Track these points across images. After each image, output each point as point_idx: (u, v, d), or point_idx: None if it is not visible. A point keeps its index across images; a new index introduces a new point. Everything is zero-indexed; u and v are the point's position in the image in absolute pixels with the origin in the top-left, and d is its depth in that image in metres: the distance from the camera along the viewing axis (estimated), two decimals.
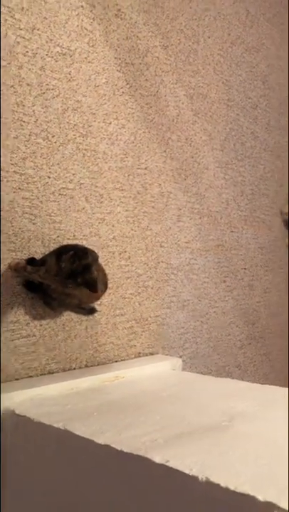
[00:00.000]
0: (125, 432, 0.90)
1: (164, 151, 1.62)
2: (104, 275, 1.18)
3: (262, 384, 2.06)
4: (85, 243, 1.33)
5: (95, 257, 1.07)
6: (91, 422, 0.97)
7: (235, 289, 1.95)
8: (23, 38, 1.20)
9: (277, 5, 2.21)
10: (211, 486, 0.71)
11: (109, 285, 1.39)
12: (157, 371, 1.40)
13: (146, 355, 1.51)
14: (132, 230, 1.50)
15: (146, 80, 1.55)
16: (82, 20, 1.36)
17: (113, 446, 0.84)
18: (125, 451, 0.82)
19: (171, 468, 0.76)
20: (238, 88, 1.95)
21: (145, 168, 1.55)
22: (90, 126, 1.37)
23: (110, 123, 1.43)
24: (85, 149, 1.36)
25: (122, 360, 1.43)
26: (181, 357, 1.64)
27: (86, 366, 1.33)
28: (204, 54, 1.78)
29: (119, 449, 0.83)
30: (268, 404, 1.12)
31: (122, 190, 1.47)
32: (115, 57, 1.45)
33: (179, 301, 1.66)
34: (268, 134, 2.12)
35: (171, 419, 1.00)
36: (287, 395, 1.10)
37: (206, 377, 1.41)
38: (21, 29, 1.20)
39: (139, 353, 1.49)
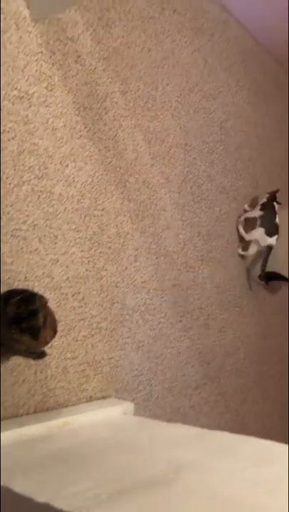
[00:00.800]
0: (68, 488, 0.88)
1: (122, 193, 1.65)
2: (54, 320, 1.16)
3: (217, 425, 2.06)
4: (36, 285, 1.32)
5: (43, 303, 1.05)
6: (33, 476, 0.94)
7: (191, 328, 1.96)
8: None
9: (234, 56, 2.32)
10: None
11: (61, 328, 1.37)
12: (108, 416, 1.38)
13: (98, 398, 1.49)
14: (87, 270, 1.49)
15: (105, 124, 1.58)
16: (42, 66, 1.38)
17: (53, 504, 0.81)
18: (65, 510, 0.80)
19: None
20: (196, 133, 2.02)
21: (102, 210, 1.56)
22: (46, 169, 1.38)
23: (67, 165, 1.44)
24: (41, 191, 1.36)
25: (72, 405, 1.40)
26: (134, 399, 1.63)
27: (34, 412, 1.29)
28: (163, 100, 1.84)
29: (59, 508, 0.80)
30: (215, 452, 1.11)
31: (78, 231, 1.47)
32: (74, 102, 1.47)
33: (134, 343, 1.65)
34: (224, 177, 2.19)
35: (117, 471, 0.97)
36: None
37: (156, 422, 1.40)
38: None
39: (91, 397, 1.46)
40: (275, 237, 2.20)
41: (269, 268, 2.30)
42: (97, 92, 1.56)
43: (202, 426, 1.95)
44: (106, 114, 1.59)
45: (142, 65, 1.76)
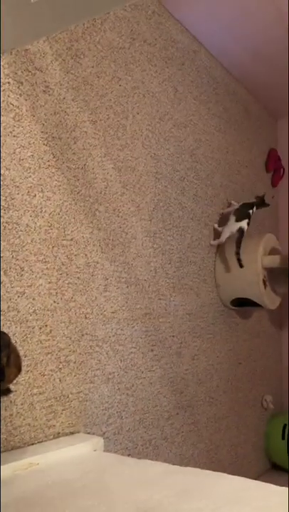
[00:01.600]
0: None
1: (91, 222, 1.63)
2: (18, 357, 1.12)
3: (190, 456, 2.02)
4: (2, 319, 1.28)
5: (6, 341, 1.02)
6: None
7: (163, 357, 1.94)
8: None
9: (204, 85, 2.36)
10: None
11: (27, 362, 1.33)
12: (76, 453, 1.33)
13: (67, 434, 1.44)
14: (55, 302, 1.46)
15: (74, 153, 1.57)
16: (9, 96, 1.37)
17: None
18: None
19: None
20: (166, 161, 2.03)
21: (71, 239, 1.54)
22: (12, 199, 1.35)
23: (35, 195, 1.42)
24: (7, 222, 1.33)
25: (39, 442, 1.35)
26: (104, 433, 1.58)
27: None
28: (133, 129, 1.85)
29: None
30: (185, 491, 1.08)
31: (45, 262, 1.44)
32: (42, 132, 1.46)
33: (104, 375, 1.61)
34: (195, 204, 2.20)
35: None
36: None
37: (126, 459, 1.36)
38: None
39: (59, 433, 1.41)
40: (246, 220, 2.18)
41: (240, 294, 2.31)
42: (66, 121, 1.55)
43: (175, 457, 1.92)
44: (75, 143, 1.58)
45: (112, 94, 1.76)
